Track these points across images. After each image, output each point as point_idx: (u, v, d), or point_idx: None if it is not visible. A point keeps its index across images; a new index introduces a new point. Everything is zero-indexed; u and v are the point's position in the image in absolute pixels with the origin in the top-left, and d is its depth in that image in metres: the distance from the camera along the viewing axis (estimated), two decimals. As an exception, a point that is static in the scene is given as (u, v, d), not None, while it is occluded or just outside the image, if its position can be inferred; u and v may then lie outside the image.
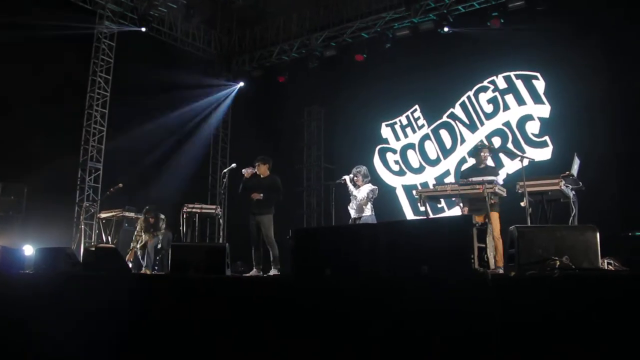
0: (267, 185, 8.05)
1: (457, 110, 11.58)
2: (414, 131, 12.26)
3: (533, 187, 6.27)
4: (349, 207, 8.17)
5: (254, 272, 7.89)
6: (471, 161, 8.27)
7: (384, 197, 8.53)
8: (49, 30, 10.45)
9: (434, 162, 11.86)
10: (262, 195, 7.93)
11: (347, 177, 8.14)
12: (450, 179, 11.29)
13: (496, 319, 2.95)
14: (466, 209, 7.64)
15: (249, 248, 8.04)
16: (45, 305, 5.54)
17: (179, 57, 13.67)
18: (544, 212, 6.51)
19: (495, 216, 6.97)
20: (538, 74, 10.56)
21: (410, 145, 12.27)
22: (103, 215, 10.64)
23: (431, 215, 9.57)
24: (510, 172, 10.33)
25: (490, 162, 7.75)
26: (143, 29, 12.57)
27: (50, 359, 5.24)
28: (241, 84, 14.81)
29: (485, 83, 11.27)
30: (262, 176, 8.14)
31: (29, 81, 10.32)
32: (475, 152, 7.76)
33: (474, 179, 7.03)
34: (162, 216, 9.48)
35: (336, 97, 13.36)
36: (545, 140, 10.29)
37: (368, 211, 7.97)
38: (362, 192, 7.99)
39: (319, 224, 13.40)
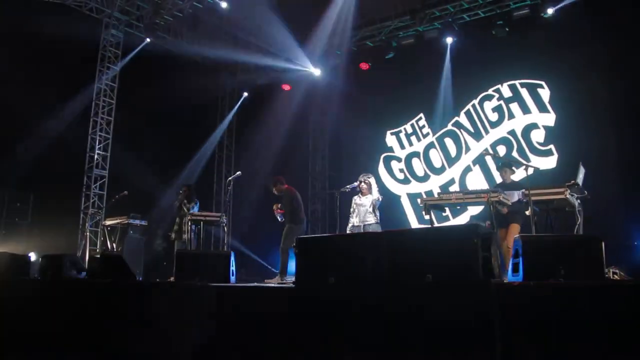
0: (283, 200, 8.69)
1: (462, 118, 11.59)
2: (418, 139, 12.26)
3: (538, 196, 6.25)
4: (351, 216, 8.18)
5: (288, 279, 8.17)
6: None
7: (388, 206, 8.55)
8: (55, 39, 10.53)
9: (439, 171, 11.85)
10: (280, 206, 8.67)
11: (356, 184, 8.21)
12: (455, 187, 11.28)
13: (500, 328, 2.94)
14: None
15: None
16: (50, 312, 5.55)
17: (184, 65, 13.72)
18: (549, 221, 6.50)
19: (515, 228, 7.04)
20: (543, 83, 10.56)
21: (415, 154, 12.27)
22: (108, 222, 10.65)
23: (436, 224, 9.56)
24: (516, 180, 10.30)
25: (515, 178, 7.95)
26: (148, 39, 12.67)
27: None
28: (246, 93, 14.88)
29: (490, 91, 11.28)
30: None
31: (35, 88, 10.37)
32: (499, 170, 8.03)
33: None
34: (195, 201, 9.50)
35: (341, 105, 13.38)
36: (550, 149, 10.28)
37: (373, 219, 7.98)
38: (368, 200, 8.01)
39: (324, 232, 13.39)
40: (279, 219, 8.70)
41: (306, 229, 8.83)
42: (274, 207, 8.69)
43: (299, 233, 8.50)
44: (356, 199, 8.15)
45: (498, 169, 8.30)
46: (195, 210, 9.39)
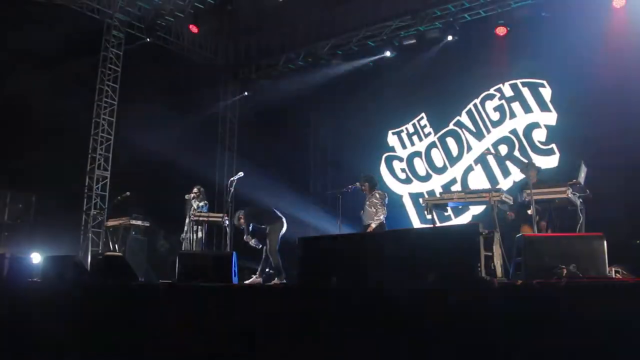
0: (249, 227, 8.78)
1: (464, 118, 11.57)
2: (420, 139, 12.24)
3: (540, 195, 6.25)
4: (361, 214, 8.25)
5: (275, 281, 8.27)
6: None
7: (390, 205, 8.55)
8: (57, 40, 10.54)
9: (441, 170, 11.84)
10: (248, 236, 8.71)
11: (357, 184, 8.28)
12: (457, 187, 11.26)
13: (502, 327, 2.94)
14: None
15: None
16: (53, 313, 5.56)
17: (186, 66, 13.73)
18: (551, 220, 6.50)
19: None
20: (544, 82, 10.53)
21: (417, 153, 12.25)
22: (110, 223, 10.66)
23: (438, 224, 9.58)
24: (517, 180, 10.31)
25: (516, 179, 7.96)
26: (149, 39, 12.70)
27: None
28: (247, 92, 14.90)
29: (491, 91, 11.26)
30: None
31: (37, 90, 10.38)
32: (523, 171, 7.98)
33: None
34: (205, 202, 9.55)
35: (342, 105, 13.38)
36: (552, 148, 10.26)
37: (379, 218, 8.03)
38: (371, 199, 8.07)
39: (325, 232, 13.38)
40: (257, 246, 8.66)
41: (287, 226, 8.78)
42: (245, 239, 8.66)
43: (282, 231, 8.53)
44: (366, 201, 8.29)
45: (522, 171, 8.22)
46: (205, 210, 9.42)
